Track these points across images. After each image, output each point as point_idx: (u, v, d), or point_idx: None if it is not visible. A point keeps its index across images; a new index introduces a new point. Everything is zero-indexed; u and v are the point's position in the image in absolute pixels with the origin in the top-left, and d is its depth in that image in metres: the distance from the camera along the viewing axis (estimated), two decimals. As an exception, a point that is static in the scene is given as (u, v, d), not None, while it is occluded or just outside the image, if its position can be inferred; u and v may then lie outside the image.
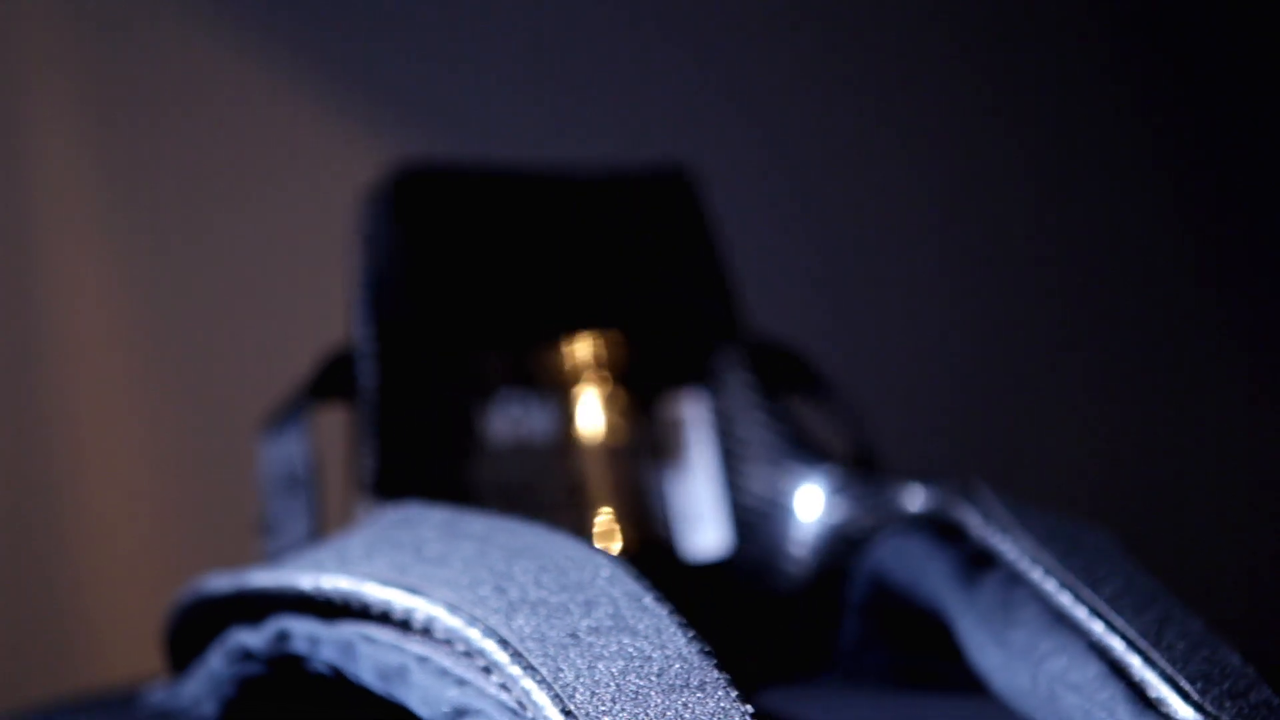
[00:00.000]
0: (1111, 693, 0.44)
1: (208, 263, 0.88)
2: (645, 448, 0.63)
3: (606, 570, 0.45)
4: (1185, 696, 0.42)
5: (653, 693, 0.40)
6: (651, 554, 0.62)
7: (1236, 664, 0.43)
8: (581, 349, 0.63)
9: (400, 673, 0.45)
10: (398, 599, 0.45)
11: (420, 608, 0.45)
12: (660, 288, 0.64)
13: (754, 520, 0.61)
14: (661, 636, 0.42)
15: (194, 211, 0.88)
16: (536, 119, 0.91)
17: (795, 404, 0.64)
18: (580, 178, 0.66)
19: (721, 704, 0.39)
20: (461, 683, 0.43)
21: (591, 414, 0.63)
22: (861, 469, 0.62)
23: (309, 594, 0.48)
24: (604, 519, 0.62)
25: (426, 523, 0.50)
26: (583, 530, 0.62)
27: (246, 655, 0.51)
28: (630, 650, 0.41)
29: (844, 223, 0.94)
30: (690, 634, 0.42)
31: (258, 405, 0.88)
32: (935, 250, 0.94)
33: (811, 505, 0.60)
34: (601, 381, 0.63)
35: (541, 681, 0.40)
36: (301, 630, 0.49)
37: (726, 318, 0.64)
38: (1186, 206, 0.95)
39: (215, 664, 0.52)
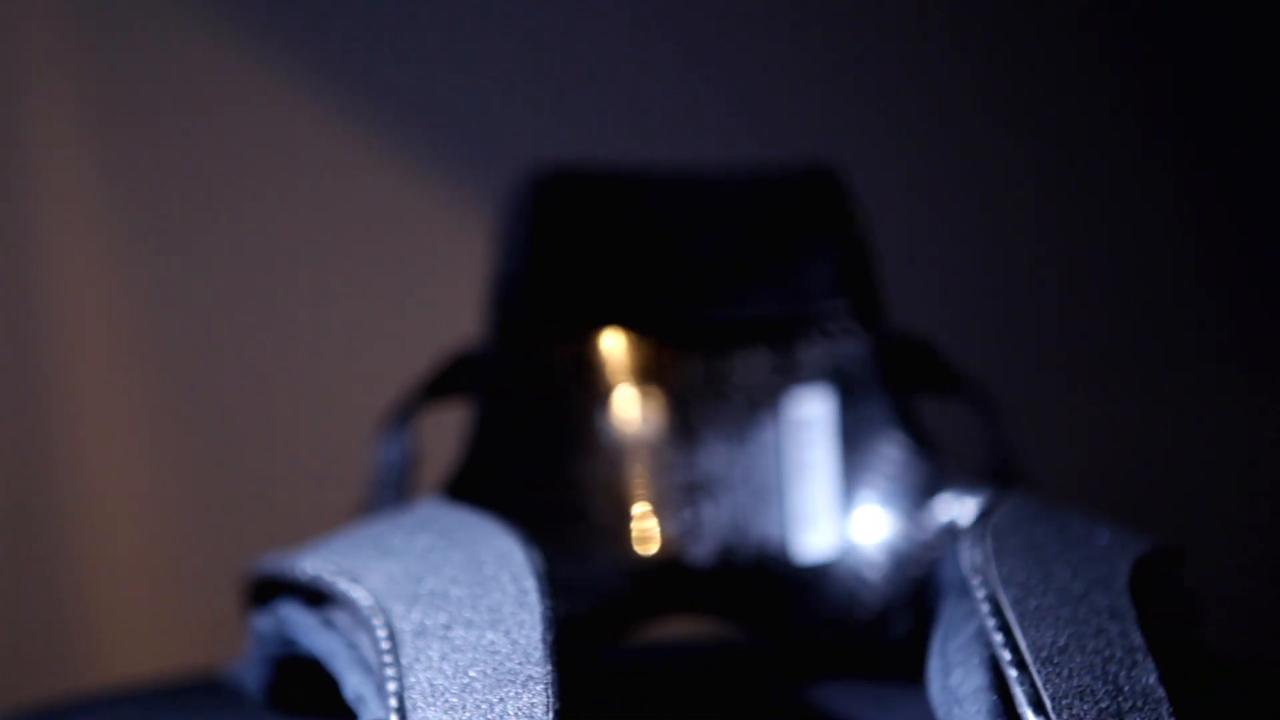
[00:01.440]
0: (979, 706, 0.43)
1: (208, 263, 0.88)
2: (769, 447, 0.62)
3: (515, 566, 0.46)
4: (1039, 710, 0.42)
5: (480, 687, 0.41)
6: (750, 557, 0.61)
7: (1143, 685, 0.42)
8: (707, 348, 0.63)
9: (333, 657, 0.47)
10: (341, 585, 0.47)
11: (352, 594, 0.46)
12: (798, 286, 0.63)
13: (865, 525, 0.60)
14: (521, 631, 0.43)
15: (195, 212, 0.88)
16: (539, 119, 0.91)
17: (926, 402, 0.63)
18: (720, 178, 0.65)
19: (533, 699, 0.40)
20: (367, 670, 0.45)
21: (714, 413, 0.62)
22: (996, 473, 0.61)
23: (288, 579, 0.50)
24: (648, 521, 0.62)
25: (413, 517, 0.51)
26: (681, 528, 0.62)
27: (262, 638, 0.53)
28: (485, 644, 0.42)
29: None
30: (546, 630, 0.43)
31: (258, 405, 0.88)
32: (934, 250, 0.94)
33: (885, 516, 0.60)
34: (725, 381, 0.63)
35: (397, 673, 0.42)
36: (288, 614, 0.51)
37: (864, 317, 0.62)
38: (1186, 206, 0.95)
39: (249, 647, 0.54)
